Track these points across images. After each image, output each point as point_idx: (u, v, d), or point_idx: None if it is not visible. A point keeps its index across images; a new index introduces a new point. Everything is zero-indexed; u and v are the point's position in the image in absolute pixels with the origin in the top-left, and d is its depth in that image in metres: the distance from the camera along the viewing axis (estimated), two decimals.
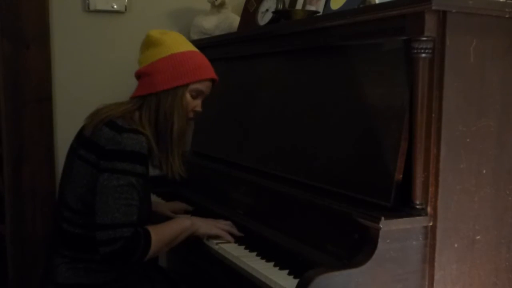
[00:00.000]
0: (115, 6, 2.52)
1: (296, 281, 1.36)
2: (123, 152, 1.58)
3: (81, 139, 1.69)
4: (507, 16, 1.44)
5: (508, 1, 1.44)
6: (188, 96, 1.74)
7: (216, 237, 1.80)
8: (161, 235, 1.65)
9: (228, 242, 1.78)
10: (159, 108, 1.70)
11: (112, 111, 1.68)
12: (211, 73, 1.79)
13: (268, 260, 1.62)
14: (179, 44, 1.75)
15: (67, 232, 1.67)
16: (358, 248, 1.40)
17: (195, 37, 2.58)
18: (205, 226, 1.80)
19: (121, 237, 1.53)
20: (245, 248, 1.73)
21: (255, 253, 1.68)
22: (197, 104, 1.78)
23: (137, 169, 1.59)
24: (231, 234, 1.81)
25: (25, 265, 2.45)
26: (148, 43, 1.77)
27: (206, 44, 2.48)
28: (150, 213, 1.79)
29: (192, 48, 1.78)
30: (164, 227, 1.72)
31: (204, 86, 1.77)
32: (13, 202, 2.44)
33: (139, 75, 1.77)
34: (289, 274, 1.51)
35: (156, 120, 1.71)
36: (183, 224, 1.76)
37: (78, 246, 1.66)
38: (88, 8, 2.48)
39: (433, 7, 1.32)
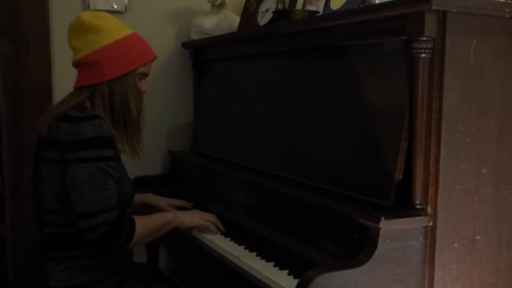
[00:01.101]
0: (115, 6, 2.52)
1: (296, 281, 1.36)
2: (85, 140, 1.58)
3: (41, 142, 1.67)
4: (507, 16, 1.44)
5: (508, 1, 1.44)
6: (137, 79, 1.75)
7: (203, 229, 1.87)
8: (145, 224, 1.68)
9: (214, 233, 1.85)
10: (112, 95, 1.70)
11: (62, 107, 1.68)
12: (153, 54, 1.80)
13: (268, 260, 1.62)
14: (119, 28, 1.75)
15: (52, 235, 1.66)
16: (358, 248, 1.40)
17: (195, 37, 2.58)
18: (188, 219, 1.85)
19: (105, 222, 1.55)
20: (245, 248, 1.73)
21: (255, 253, 1.68)
22: (143, 85, 1.79)
23: (104, 153, 1.59)
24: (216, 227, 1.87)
25: (25, 265, 2.45)
26: (84, 28, 1.71)
27: (206, 44, 2.49)
28: (132, 194, 1.78)
29: (130, 30, 1.78)
30: (148, 217, 1.77)
31: (149, 68, 1.80)
32: (13, 202, 2.44)
33: (80, 63, 1.73)
34: (289, 274, 1.51)
35: (111, 107, 1.70)
36: (167, 217, 1.81)
37: (64, 246, 1.65)
38: (88, 8, 2.48)
39: (433, 7, 1.32)
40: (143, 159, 1.81)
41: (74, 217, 1.57)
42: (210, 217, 1.90)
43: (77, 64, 1.74)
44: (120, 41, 1.71)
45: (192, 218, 1.86)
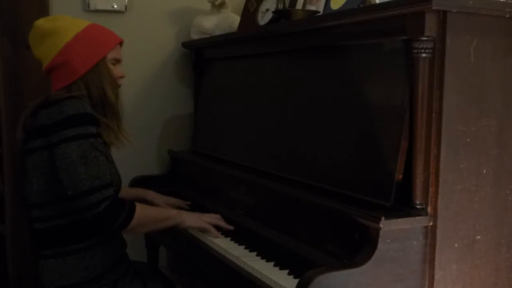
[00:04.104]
0: (115, 6, 2.52)
1: (296, 281, 1.36)
2: (68, 118, 1.56)
3: (25, 135, 1.66)
4: (507, 16, 1.44)
5: (508, 1, 1.44)
6: (110, 66, 1.75)
7: (204, 230, 1.85)
8: (146, 211, 1.68)
9: (214, 236, 1.82)
10: (89, 88, 1.69)
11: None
12: (115, 37, 1.79)
13: (268, 260, 1.62)
14: (75, 24, 1.73)
15: (41, 231, 1.65)
16: (358, 248, 1.40)
17: (195, 37, 2.58)
18: (190, 219, 1.83)
19: (104, 198, 1.54)
20: (245, 248, 1.73)
21: (255, 253, 1.68)
22: (119, 70, 1.79)
23: (90, 129, 1.59)
24: (219, 228, 1.85)
25: (25, 265, 2.45)
26: (41, 35, 1.71)
27: (206, 44, 2.49)
28: (120, 180, 1.76)
29: (86, 22, 1.76)
30: (150, 207, 1.79)
31: (119, 52, 1.79)
32: (13, 202, 2.44)
33: (49, 69, 1.73)
34: (289, 274, 1.51)
35: (90, 101, 1.68)
36: (170, 212, 1.81)
37: (55, 241, 1.64)
38: (88, 8, 2.48)
39: (433, 7, 1.32)
40: (129, 145, 1.78)
41: (68, 198, 1.55)
42: (213, 218, 1.88)
43: (47, 72, 1.74)
44: (79, 34, 1.70)
45: (193, 219, 1.84)
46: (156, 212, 1.79)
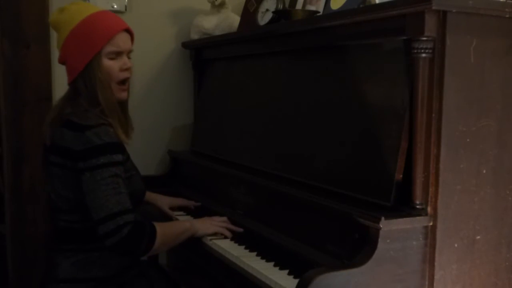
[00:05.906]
0: (115, 6, 2.52)
1: (296, 281, 1.36)
2: (94, 148, 1.58)
3: (47, 146, 1.68)
4: (507, 16, 1.44)
5: (508, 1, 1.44)
6: (107, 61, 1.66)
7: (214, 234, 1.84)
8: (166, 230, 1.68)
9: (224, 238, 1.82)
10: (86, 84, 1.67)
11: (61, 109, 1.68)
12: (113, 28, 1.67)
13: (268, 260, 1.62)
14: (75, 16, 1.67)
15: (66, 229, 1.68)
16: (358, 248, 1.40)
17: (195, 37, 2.58)
18: (202, 227, 1.83)
19: (124, 223, 1.54)
20: (245, 248, 1.73)
21: (255, 253, 1.68)
22: (123, 63, 1.69)
23: (113, 158, 1.60)
24: (230, 230, 1.85)
25: (25, 265, 2.45)
26: (54, 28, 1.74)
27: (206, 44, 2.49)
28: (144, 190, 1.81)
29: (88, 12, 1.67)
30: (167, 224, 1.79)
31: (119, 43, 1.68)
32: (13, 202, 2.44)
33: (62, 64, 1.75)
34: (289, 274, 1.51)
35: (88, 96, 1.67)
36: (184, 226, 1.81)
37: (78, 239, 1.67)
38: None
39: (433, 7, 1.32)
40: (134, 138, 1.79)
41: (94, 224, 1.57)
42: (221, 222, 1.88)
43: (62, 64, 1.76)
44: (72, 31, 1.66)
45: (206, 226, 1.84)
46: (174, 228, 1.77)
